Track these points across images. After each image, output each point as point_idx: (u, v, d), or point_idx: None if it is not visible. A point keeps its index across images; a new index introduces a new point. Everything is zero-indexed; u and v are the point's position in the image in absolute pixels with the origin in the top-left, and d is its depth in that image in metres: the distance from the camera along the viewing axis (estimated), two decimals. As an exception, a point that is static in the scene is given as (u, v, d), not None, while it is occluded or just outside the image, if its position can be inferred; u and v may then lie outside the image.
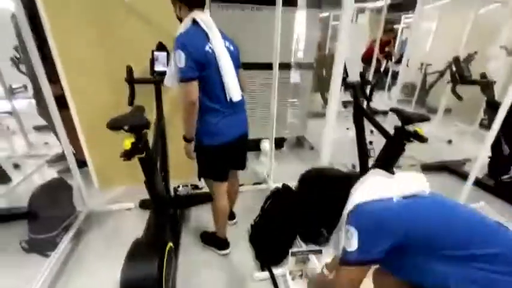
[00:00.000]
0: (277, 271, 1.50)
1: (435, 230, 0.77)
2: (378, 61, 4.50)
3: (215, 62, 1.22)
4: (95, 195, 2.17)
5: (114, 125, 0.96)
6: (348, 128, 4.06)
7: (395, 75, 5.60)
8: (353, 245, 0.77)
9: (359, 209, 0.81)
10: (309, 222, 1.03)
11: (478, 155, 1.82)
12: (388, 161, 1.76)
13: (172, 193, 2.09)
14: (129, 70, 1.77)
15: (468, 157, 3.04)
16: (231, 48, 1.34)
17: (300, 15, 2.72)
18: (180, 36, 1.18)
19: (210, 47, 1.21)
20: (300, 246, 1.58)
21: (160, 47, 1.90)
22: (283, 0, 2.54)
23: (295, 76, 2.87)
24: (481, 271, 0.71)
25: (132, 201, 2.12)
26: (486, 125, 3.85)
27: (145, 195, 2.10)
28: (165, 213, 1.47)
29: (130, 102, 1.74)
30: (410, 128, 1.55)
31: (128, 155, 0.95)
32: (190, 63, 1.13)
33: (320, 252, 1.46)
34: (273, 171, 2.33)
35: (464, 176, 2.56)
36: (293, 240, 1.58)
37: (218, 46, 1.24)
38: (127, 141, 0.95)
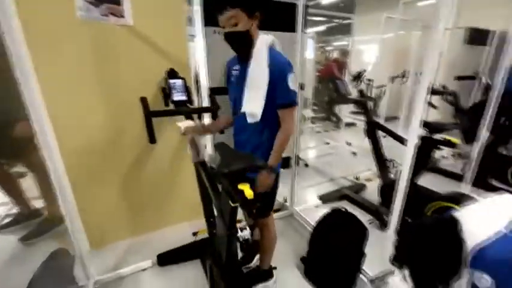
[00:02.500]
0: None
1: None
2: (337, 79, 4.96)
3: None
4: (93, 259, 1.69)
5: (233, 169, 0.74)
6: (328, 143, 4.28)
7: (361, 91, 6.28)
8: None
9: (486, 257, 0.82)
10: None
11: (472, 155, 2.07)
12: (414, 171, 1.87)
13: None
14: (145, 101, 1.50)
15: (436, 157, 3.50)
16: None
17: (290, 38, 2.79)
18: (282, 56, 1.12)
19: None
20: (365, 271, 1.50)
21: (173, 73, 1.68)
22: (276, 24, 2.63)
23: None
24: None
25: (143, 258, 1.72)
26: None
27: (155, 248, 1.77)
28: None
29: (153, 139, 1.45)
30: (438, 136, 1.70)
31: (254, 205, 0.75)
32: None
33: (393, 273, 1.41)
34: (296, 194, 2.21)
35: (447, 173, 2.92)
36: (360, 266, 1.49)
37: None
38: (247, 189, 0.74)
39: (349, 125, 4.64)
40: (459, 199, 1.59)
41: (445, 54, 4.35)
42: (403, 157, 1.27)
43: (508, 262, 0.80)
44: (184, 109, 1.50)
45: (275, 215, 2.20)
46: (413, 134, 1.16)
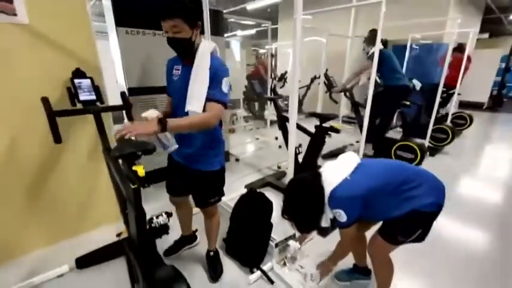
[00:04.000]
0: (265, 267, 1.64)
1: (380, 181, 1.16)
2: (264, 79, 5.39)
3: None
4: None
5: (124, 152, 0.85)
6: (257, 138, 4.61)
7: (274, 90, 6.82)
8: (344, 217, 1.15)
9: (335, 196, 1.16)
10: None
11: (361, 141, 2.56)
12: (314, 153, 2.27)
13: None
14: (46, 101, 1.46)
15: (345, 144, 4.16)
16: None
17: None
18: (221, 62, 1.25)
19: None
20: (273, 238, 1.77)
21: (79, 73, 1.67)
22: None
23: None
24: (407, 192, 1.13)
25: (58, 264, 1.66)
26: (346, 121, 5.35)
27: (76, 254, 1.72)
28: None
29: (58, 139, 1.44)
30: (327, 124, 2.10)
31: (145, 182, 0.88)
32: None
33: (294, 236, 1.72)
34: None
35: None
36: (269, 235, 1.75)
37: None
38: (140, 169, 0.88)
39: (275, 122, 5.08)
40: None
41: (348, 58, 5.16)
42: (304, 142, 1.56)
43: (346, 196, 1.14)
44: (93, 108, 1.52)
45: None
46: (293, 122, 1.46)
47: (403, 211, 1.12)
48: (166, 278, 1.01)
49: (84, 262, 1.68)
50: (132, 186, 0.97)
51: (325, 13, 3.47)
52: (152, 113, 1.24)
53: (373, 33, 2.83)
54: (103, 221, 2.08)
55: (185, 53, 1.21)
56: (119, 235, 1.96)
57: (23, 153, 1.66)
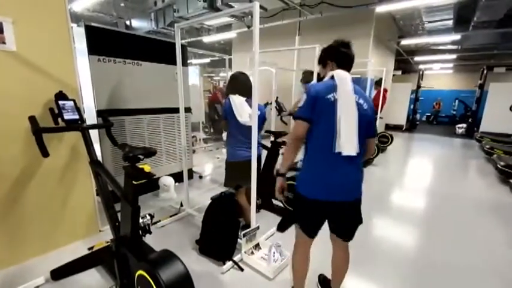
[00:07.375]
0: (235, 258, 1.91)
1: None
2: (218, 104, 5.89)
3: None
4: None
5: (130, 154, 1.12)
6: (218, 157, 4.91)
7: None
8: (301, 102, 1.27)
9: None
10: None
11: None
12: (271, 163, 2.70)
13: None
14: (34, 120, 1.62)
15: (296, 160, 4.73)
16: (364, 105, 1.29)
17: (173, 70, 3.30)
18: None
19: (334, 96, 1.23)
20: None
21: (61, 96, 1.85)
22: (160, 58, 3.09)
23: (179, 118, 3.34)
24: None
25: (34, 277, 1.68)
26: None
27: (48, 268, 1.76)
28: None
29: (45, 153, 1.58)
30: (280, 140, 2.59)
31: (152, 176, 1.15)
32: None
33: (258, 228, 2.05)
34: (189, 199, 2.64)
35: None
36: (237, 232, 2.04)
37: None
38: (146, 167, 1.15)
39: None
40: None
41: (294, 87, 5.99)
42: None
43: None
44: (81, 126, 1.71)
45: (175, 217, 2.54)
46: (254, 138, 1.87)
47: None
48: (163, 256, 1.25)
49: (59, 274, 1.73)
50: (135, 182, 1.23)
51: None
52: None
53: (305, 74, 3.55)
54: (73, 238, 2.11)
55: None
56: (91, 249, 2.03)
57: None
